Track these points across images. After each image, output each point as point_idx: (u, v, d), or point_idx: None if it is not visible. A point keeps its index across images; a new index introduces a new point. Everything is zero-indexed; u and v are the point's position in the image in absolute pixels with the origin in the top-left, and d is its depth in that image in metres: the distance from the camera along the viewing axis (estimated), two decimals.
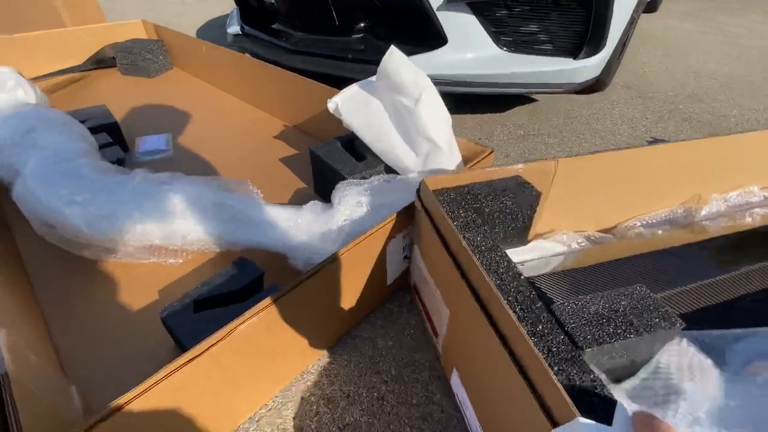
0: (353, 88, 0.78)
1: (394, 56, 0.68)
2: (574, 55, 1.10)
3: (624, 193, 0.66)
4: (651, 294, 0.35)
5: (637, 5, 1.30)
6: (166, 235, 0.61)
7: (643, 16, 3.16)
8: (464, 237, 0.40)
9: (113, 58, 1.60)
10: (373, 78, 0.77)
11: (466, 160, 0.76)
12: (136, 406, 0.35)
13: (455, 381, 0.46)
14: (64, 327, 0.59)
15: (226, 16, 2.86)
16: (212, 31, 2.47)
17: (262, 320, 0.43)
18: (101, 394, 0.50)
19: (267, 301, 0.43)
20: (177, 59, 1.64)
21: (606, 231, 0.70)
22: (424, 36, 1.08)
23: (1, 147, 0.69)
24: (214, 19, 2.78)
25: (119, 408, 0.34)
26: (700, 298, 0.51)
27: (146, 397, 0.35)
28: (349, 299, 0.58)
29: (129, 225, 0.59)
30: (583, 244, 0.64)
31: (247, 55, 1.32)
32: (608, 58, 1.19)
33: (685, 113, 1.41)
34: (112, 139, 0.94)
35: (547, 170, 0.56)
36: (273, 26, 1.35)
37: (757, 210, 0.71)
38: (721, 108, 1.47)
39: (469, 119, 1.32)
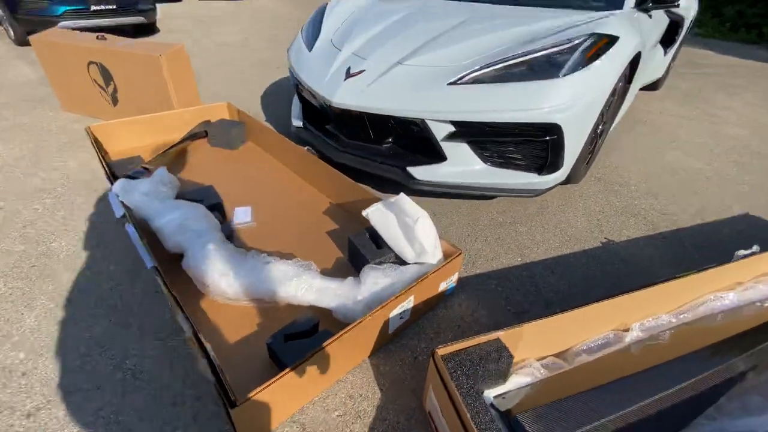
0: (379, 205, 1.25)
1: (403, 198, 1.15)
2: (539, 172, 1.54)
3: (571, 326, 0.98)
4: None
5: (599, 126, 1.72)
6: (263, 293, 1.08)
7: (645, 95, 3.54)
8: (465, 401, 0.72)
9: (205, 132, 2.16)
10: (392, 199, 1.23)
11: (446, 255, 1.20)
12: (257, 396, 0.80)
13: None
14: (214, 343, 1.06)
15: (283, 79, 3.48)
16: (273, 96, 3.05)
17: (312, 360, 0.88)
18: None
19: (319, 348, 0.88)
20: (251, 136, 2.18)
21: (559, 354, 0.98)
22: (431, 154, 1.55)
23: (172, 231, 1.19)
24: (274, 82, 3.39)
25: (250, 397, 0.79)
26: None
27: (261, 393, 0.80)
28: (366, 343, 1.02)
29: (244, 287, 1.07)
30: (543, 373, 0.91)
31: (308, 148, 1.82)
32: (568, 172, 1.62)
33: (636, 209, 1.81)
34: (219, 212, 1.44)
35: (518, 334, 0.89)
36: (327, 127, 1.86)
37: (666, 332, 1.07)
38: (668, 206, 1.85)
39: (464, 204, 1.76)
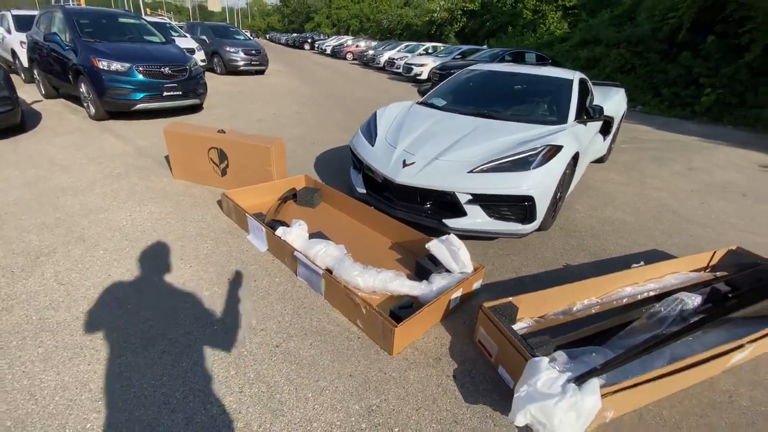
0: (435, 240, 2.19)
1: (452, 236, 2.11)
2: (522, 223, 2.53)
3: (545, 300, 1.95)
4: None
5: (558, 194, 2.75)
6: (380, 287, 1.99)
7: (595, 167, 4.72)
8: (506, 327, 1.61)
9: (294, 195, 3.12)
10: (444, 237, 2.18)
11: (475, 269, 2.14)
12: (401, 327, 1.68)
13: (501, 370, 1.66)
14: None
15: (323, 153, 4.54)
16: (322, 166, 4.08)
17: (417, 317, 1.78)
18: None
19: (420, 310, 1.79)
20: (325, 198, 3.15)
21: (541, 317, 1.97)
22: (457, 212, 2.53)
23: (322, 256, 2.10)
24: (317, 156, 4.44)
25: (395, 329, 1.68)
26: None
27: (403, 325, 1.69)
28: (439, 312, 1.92)
29: (369, 284, 1.97)
30: (532, 324, 1.85)
31: (373, 208, 2.79)
32: (540, 222, 2.62)
33: (585, 246, 2.81)
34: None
35: (518, 301, 1.83)
36: (385, 193, 2.85)
37: (596, 307, 2.02)
38: (606, 244, 2.87)
39: (478, 244, 2.72)
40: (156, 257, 2.34)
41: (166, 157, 4.05)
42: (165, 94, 5.42)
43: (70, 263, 2.24)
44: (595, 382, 1.35)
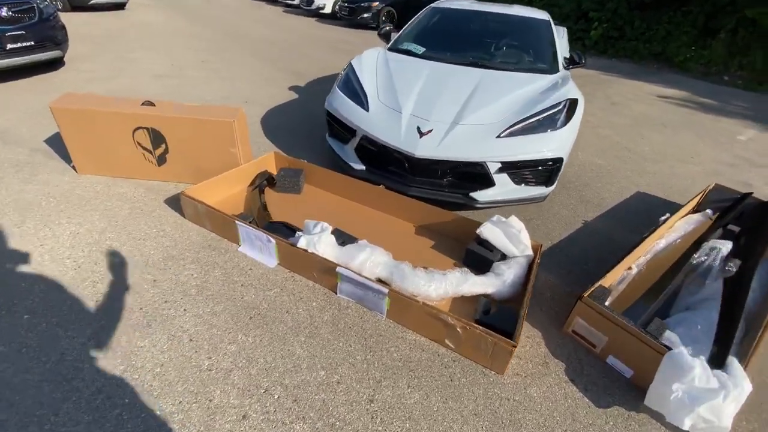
0: (488, 224, 1.93)
1: (513, 218, 1.87)
2: (546, 185, 2.40)
3: (613, 271, 1.88)
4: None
5: None
6: (452, 292, 1.69)
7: None
8: (610, 311, 1.51)
9: (270, 180, 2.48)
10: (494, 218, 1.93)
11: (534, 249, 1.96)
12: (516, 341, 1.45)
13: (612, 360, 1.56)
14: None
15: (268, 114, 3.74)
16: (277, 133, 3.37)
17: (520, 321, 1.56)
18: None
19: (521, 317, 1.56)
20: (308, 179, 2.58)
21: (607, 287, 1.94)
22: (485, 182, 2.27)
23: (371, 266, 1.68)
24: (262, 118, 3.65)
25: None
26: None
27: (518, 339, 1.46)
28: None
29: (440, 292, 1.66)
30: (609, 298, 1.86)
31: (382, 186, 2.35)
32: (555, 185, 2.52)
33: (586, 198, 2.84)
34: None
35: (604, 281, 1.73)
36: (390, 168, 2.41)
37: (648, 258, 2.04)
38: (600, 192, 2.95)
39: (493, 211, 2.55)
40: (122, 309, 1.64)
41: (48, 142, 2.90)
42: (10, 46, 3.80)
43: None
44: (736, 364, 1.33)
